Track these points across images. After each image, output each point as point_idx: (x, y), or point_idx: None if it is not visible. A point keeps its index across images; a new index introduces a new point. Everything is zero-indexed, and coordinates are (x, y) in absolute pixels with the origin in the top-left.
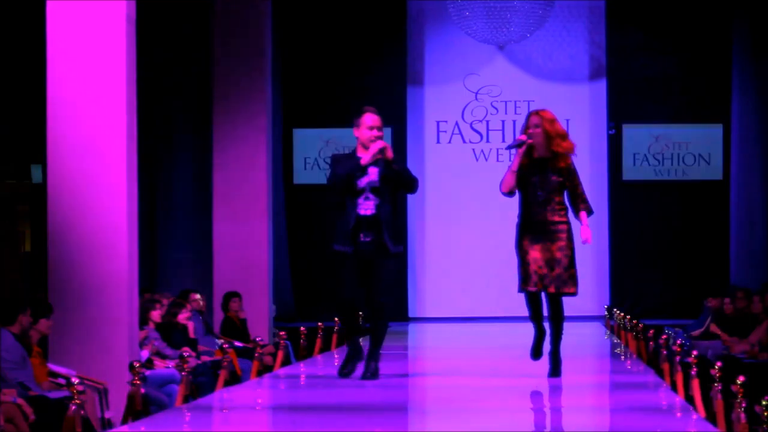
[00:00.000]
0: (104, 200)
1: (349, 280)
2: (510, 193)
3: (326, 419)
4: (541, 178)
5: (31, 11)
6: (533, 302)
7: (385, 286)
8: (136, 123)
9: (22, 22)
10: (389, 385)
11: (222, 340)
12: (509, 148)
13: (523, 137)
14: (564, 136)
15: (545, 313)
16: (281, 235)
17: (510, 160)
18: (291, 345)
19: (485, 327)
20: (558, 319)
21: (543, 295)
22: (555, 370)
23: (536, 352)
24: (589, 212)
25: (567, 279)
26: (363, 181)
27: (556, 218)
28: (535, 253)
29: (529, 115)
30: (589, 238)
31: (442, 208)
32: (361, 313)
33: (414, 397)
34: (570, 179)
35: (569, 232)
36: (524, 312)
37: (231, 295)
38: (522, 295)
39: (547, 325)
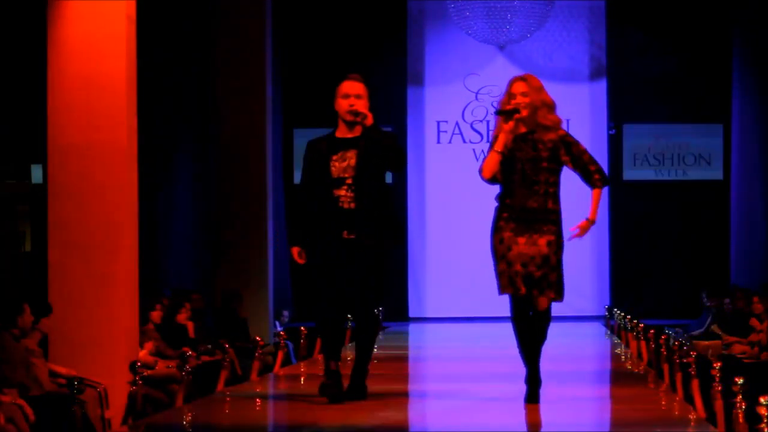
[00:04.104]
0: (104, 200)
1: (328, 290)
2: (493, 180)
3: (326, 419)
4: (528, 156)
5: (31, 11)
6: (522, 319)
7: (378, 290)
8: (136, 123)
9: (23, 21)
10: (389, 384)
11: (222, 340)
12: (501, 113)
13: (513, 107)
14: (552, 106)
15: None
16: (281, 235)
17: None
18: (291, 345)
19: (485, 327)
20: (541, 329)
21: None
22: (533, 394)
23: (533, 397)
24: (605, 183)
25: (554, 282)
26: (340, 168)
27: (548, 205)
28: (520, 248)
29: (513, 81)
30: (582, 231)
31: (443, 208)
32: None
33: (414, 397)
34: (569, 151)
35: (560, 223)
36: None
37: (232, 295)
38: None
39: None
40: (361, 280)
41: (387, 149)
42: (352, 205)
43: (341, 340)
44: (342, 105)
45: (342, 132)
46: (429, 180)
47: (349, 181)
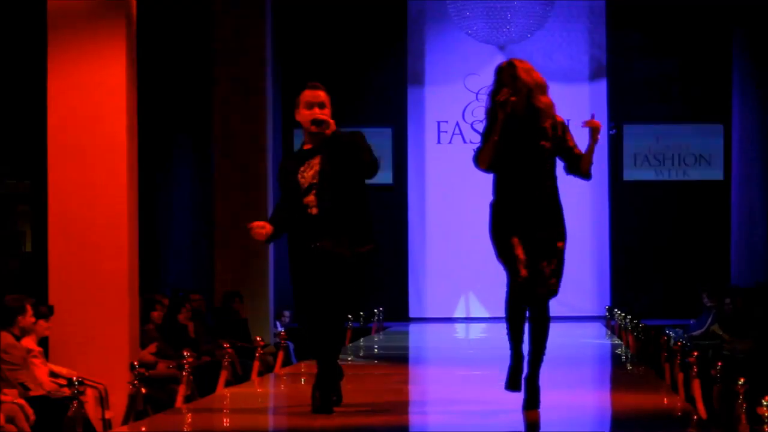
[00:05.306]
0: (105, 200)
1: (304, 300)
2: (490, 169)
3: (326, 420)
4: (525, 145)
5: (31, 12)
6: (517, 312)
7: (346, 299)
8: (137, 123)
9: (23, 22)
10: (389, 385)
11: (223, 340)
12: (497, 103)
13: (506, 94)
14: (544, 87)
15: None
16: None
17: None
18: (292, 345)
19: (486, 327)
20: (542, 328)
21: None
22: (533, 400)
23: (514, 382)
24: (588, 174)
25: (556, 276)
26: (308, 177)
27: (550, 195)
28: (522, 244)
29: (501, 67)
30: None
31: (443, 208)
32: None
33: (414, 398)
34: (563, 139)
35: (562, 214)
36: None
37: (232, 295)
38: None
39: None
40: (326, 288)
41: (351, 152)
42: (314, 211)
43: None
44: (305, 115)
45: (307, 144)
46: (429, 180)
47: (316, 188)
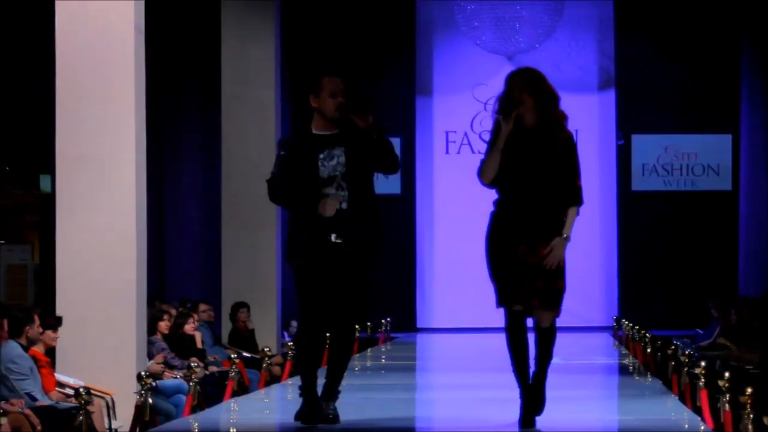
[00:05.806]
0: (112, 210)
1: (310, 299)
2: (493, 184)
3: (333, 430)
4: (535, 153)
5: (39, 19)
6: (518, 336)
7: (361, 303)
8: (145, 133)
9: (31, 28)
10: (397, 395)
11: (230, 351)
12: (500, 113)
13: (509, 107)
14: (555, 98)
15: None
16: None
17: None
18: None
19: (493, 337)
20: (549, 339)
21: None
22: (537, 408)
23: (528, 420)
24: (580, 203)
25: (558, 292)
26: (329, 166)
27: (553, 210)
28: (519, 258)
29: (510, 76)
30: (557, 250)
31: (451, 218)
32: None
33: (421, 409)
34: (569, 156)
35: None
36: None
37: (239, 306)
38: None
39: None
40: (343, 290)
41: (380, 146)
42: (343, 206)
43: (321, 357)
44: (330, 103)
45: (321, 128)
46: (437, 190)
47: (339, 180)
